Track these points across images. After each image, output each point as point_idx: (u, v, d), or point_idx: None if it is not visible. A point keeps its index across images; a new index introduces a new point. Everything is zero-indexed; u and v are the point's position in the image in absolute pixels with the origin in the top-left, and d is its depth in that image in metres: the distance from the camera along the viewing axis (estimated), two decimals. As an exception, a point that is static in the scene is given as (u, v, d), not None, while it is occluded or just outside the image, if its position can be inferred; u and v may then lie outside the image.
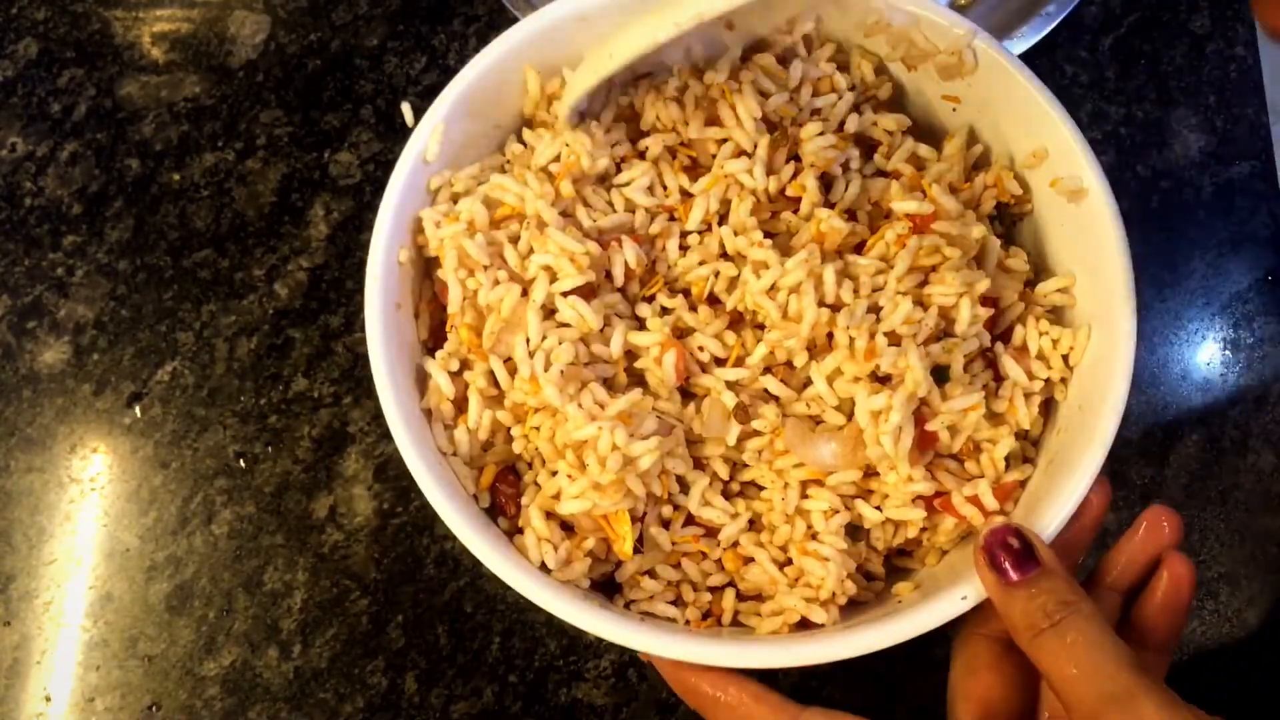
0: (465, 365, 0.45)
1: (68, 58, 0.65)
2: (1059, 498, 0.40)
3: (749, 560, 0.44)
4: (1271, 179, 0.62)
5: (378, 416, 0.43)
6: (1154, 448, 0.57)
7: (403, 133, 0.64)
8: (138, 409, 0.58)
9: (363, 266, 0.45)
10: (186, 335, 0.59)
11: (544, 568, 0.43)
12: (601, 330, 0.44)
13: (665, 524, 0.44)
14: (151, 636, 0.54)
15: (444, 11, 0.66)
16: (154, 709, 0.54)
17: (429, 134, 0.46)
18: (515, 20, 0.60)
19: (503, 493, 0.45)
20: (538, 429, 0.43)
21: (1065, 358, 0.45)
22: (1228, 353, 0.59)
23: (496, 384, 0.44)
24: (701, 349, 0.44)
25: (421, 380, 0.45)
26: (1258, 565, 0.56)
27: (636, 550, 0.44)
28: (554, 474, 0.43)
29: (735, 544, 0.44)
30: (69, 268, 0.61)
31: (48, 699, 0.54)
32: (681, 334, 0.45)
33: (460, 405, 0.45)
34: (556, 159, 0.46)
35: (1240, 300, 0.60)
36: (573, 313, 0.43)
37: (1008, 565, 0.37)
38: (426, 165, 0.47)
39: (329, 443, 0.57)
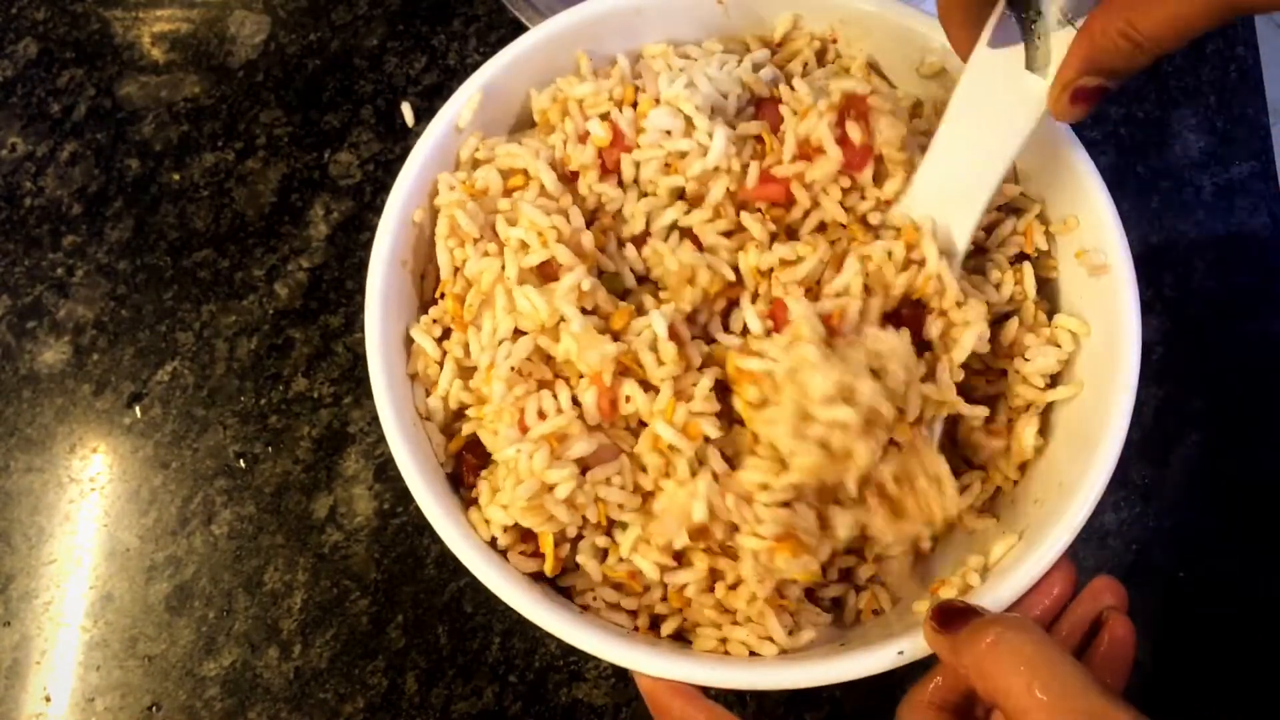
0: (448, 334, 0.46)
1: (68, 58, 0.65)
2: (1022, 570, 0.40)
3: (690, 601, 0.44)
4: (1271, 179, 0.62)
5: (378, 417, 0.43)
6: (1154, 448, 0.57)
7: (403, 133, 0.64)
8: (138, 409, 0.58)
9: (363, 267, 0.45)
10: (186, 335, 0.59)
11: (494, 544, 0.43)
12: (559, 324, 0.43)
13: (604, 550, 0.43)
14: (151, 636, 0.54)
15: (444, 11, 0.66)
16: (154, 709, 0.54)
17: (465, 101, 0.47)
18: (515, 20, 0.60)
19: (467, 462, 0.45)
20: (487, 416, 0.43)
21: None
22: (1228, 353, 0.59)
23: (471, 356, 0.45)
24: (628, 399, 0.42)
25: (412, 341, 0.46)
26: (1258, 566, 0.56)
27: (567, 570, 0.43)
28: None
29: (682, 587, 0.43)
30: (69, 268, 0.61)
31: (48, 699, 0.54)
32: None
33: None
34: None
35: (1240, 300, 0.60)
36: (526, 302, 0.42)
37: (954, 626, 0.37)
38: (459, 132, 0.47)
39: (329, 443, 0.57)
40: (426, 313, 0.46)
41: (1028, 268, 0.46)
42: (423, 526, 0.56)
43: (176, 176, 0.63)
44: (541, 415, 0.42)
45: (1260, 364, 0.59)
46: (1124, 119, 0.63)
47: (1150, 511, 0.56)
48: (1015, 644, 0.34)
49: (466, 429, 0.44)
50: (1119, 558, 0.55)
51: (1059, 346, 0.45)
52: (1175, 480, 0.57)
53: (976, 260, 0.46)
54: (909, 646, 0.39)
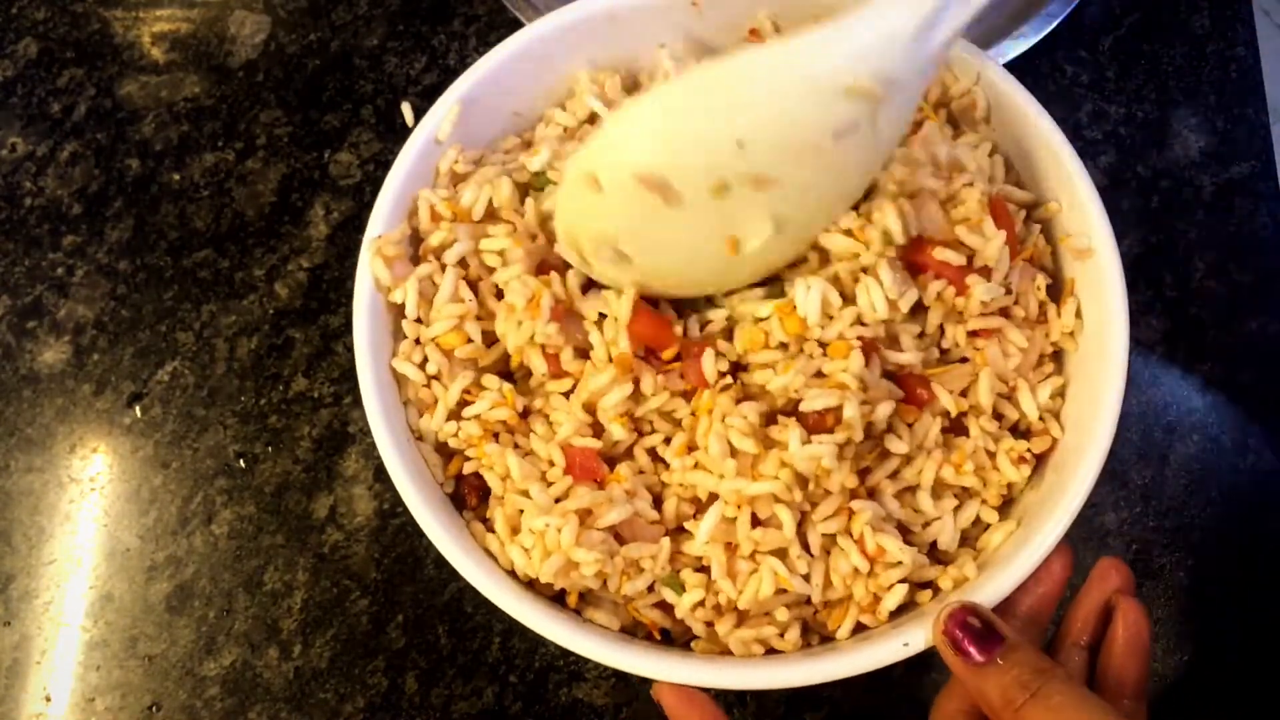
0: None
1: (68, 58, 0.65)
2: (1020, 558, 0.40)
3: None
4: (1271, 179, 0.62)
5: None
6: (1154, 448, 0.57)
7: (403, 133, 0.64)
8: (138, 409, 0.58)
9: (363, 266, 0.45)
10: (186, 335, 0.59)
11: (513, 574, 0.43)
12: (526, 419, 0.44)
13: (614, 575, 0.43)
14: (151, 636, 0.54)
15: (444, 11, 0.66)
16: (154, 709, 0.54)
17: (443, 114, 0.46)
18: (515, 20, 0.60)
19: (469, 482, 0.44)
20: (490, 456, 0.43)
21: (1058, 415, 0.45)
22: (1228, 353, 0.59)
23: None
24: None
25: None
26: (1257, 566, 0.56)
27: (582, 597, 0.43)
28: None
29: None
30: (69, 268, 0.61)
31: (48, 699, 0.54)
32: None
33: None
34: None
35: (1240, 300, 0.60)
36: (494, 393, 0.43)
37: (972, 648, 0.37)
38: (438, 145, 0.47)
39: (329, 443, 0.57)
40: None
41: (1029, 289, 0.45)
42: (423, 526, 0.56)
43: (176, 176, 0.62)
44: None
45: (1259, 363, 0.59)
46: (1124, 119, 0.63)
47: (1150, 511, 0.56)
48: (1045, 697, 0.35)
49: (468, 468, 0.44)
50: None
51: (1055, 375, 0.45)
52: (1175, 480, 0.57)
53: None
54: (914, 639, 0.39)
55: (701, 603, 0.41)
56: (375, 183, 0.62)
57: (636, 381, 0.42)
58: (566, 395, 0.43)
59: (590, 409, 0.43)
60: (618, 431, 0.42)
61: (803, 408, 0.40)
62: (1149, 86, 0.64)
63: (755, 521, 0.41)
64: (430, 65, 0.64)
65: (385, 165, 0.63)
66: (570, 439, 0.42)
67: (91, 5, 0.66)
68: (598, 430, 0.43)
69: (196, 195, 0.62)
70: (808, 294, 0.41)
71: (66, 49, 0.65)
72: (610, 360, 0.42)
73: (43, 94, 0.64)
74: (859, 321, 0.41)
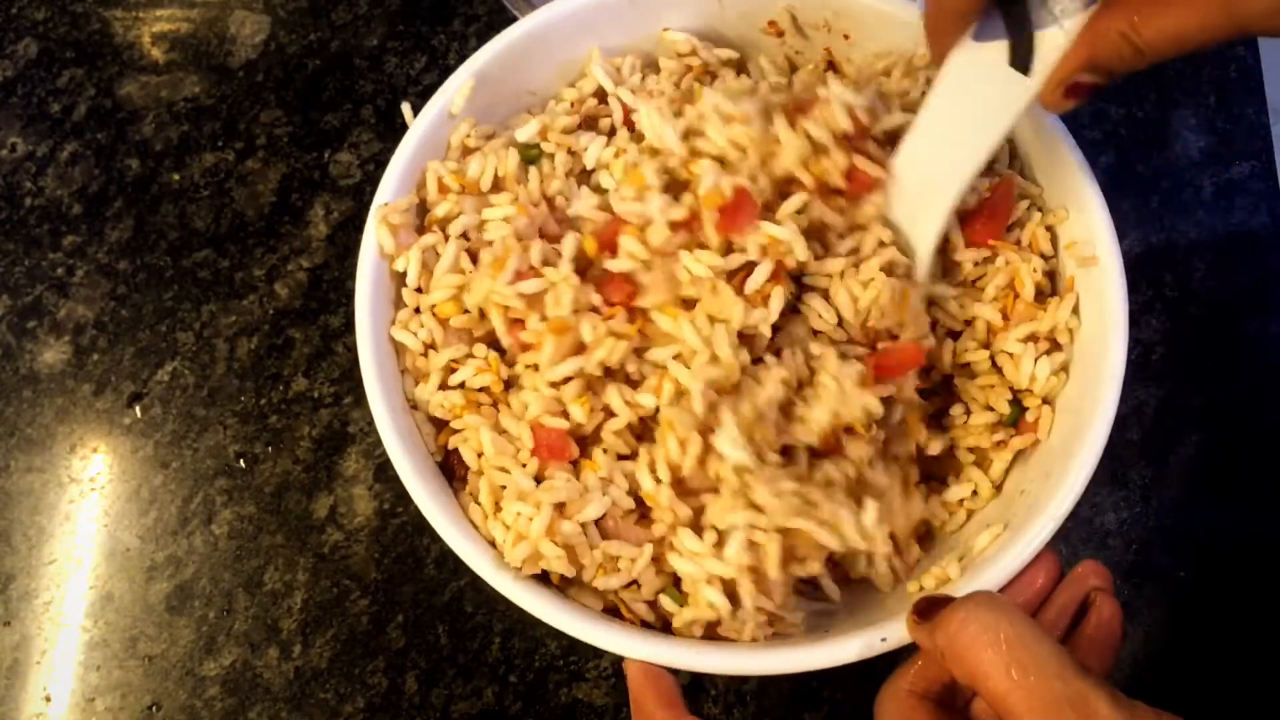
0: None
1: (68, 58, 0.65)
2: (1003, 561, 0.40)
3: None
4: (1271, 179, 0.62)
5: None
6: (1154, 448, 0.57)
7: (403, 133, 0.64)
8: (138, 409, 0.58)
9: (363, 266, 0.45)
10: (186, 335, 0.59)
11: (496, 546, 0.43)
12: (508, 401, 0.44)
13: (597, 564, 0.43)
14: (151, 636, 0.54)
15: (444, 11, 0.66)
16: (154, 709, 0.54)
17: (458, 88, 0.47)
18: (515, 20, 0.60)
19: (457, 454, 0.44)
20: (468, 428, 0.43)
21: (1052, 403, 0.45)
22: (1228, 353, 0.59)
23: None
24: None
25: None
26: (1258, 566, 0.56)
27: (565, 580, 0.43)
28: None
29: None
30: (69, 268, 0.61)
31: (48, 699, 0.54)
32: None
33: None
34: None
35: (1240, 300, 0.60)
36: (480, 360, 0.43)
37: (932, 608, 0.37)
38: (451, 119, 0.47)
39: (329, 443, 0.57)
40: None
41: (1025, 268, 0.46)
42: (423, 526, 0.56)
43: (176, 176, 0.63)
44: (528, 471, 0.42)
45: (1260, 364, 0.59)
46: (1124, 119, 0.63)
47: (1150, 511, 0.56)
48: (988, 622, 0.33)
49: (454, 441, 0.44)
50: (1119, 558, 0.55)
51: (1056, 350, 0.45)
52: (1175, 480, 0.57)
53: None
54: (892, 634, 0.39)
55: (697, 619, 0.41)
56: (375, 183, 0.62)
57: (582, 346, 0.42)
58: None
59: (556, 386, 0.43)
60: (577, 413, 0.42)
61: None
62: (1149, 86, 0.64)
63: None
64: (430, 65, 0.64)
65: (385, 165, 0.63)
66: (540, 417, 0.42)
67: (91, 5, 0.66)
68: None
69: (196, 195, 0.62)
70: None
71: (66, 49, 0.65)
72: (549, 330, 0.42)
73: (43, 94, 0.64)
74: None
